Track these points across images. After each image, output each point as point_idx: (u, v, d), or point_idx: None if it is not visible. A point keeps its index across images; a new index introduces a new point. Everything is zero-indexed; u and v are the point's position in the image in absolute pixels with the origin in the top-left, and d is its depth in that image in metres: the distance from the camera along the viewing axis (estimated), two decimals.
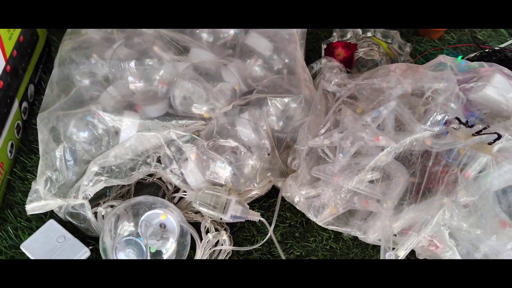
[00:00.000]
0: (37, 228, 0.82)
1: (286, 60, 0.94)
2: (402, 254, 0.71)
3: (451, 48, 1.08)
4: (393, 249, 0.71)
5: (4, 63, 0.89)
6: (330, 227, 0.79)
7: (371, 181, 0.76)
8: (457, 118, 0.74)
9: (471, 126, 0.73)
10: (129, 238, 0.76)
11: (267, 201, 0.87)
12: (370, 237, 0.75)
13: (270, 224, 0.82)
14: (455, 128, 0.74)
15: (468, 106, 0.80)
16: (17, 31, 0.94)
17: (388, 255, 0.70)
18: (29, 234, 0.82)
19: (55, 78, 0.90)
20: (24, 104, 0.98)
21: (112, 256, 0.76)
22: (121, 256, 0.75)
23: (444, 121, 0.75)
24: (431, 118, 0.74)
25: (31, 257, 0.79)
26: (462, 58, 0.86)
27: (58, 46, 0.95)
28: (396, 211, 0.74)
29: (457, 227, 0.72)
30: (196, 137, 0.84)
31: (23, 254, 0.80)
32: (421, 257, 0.79)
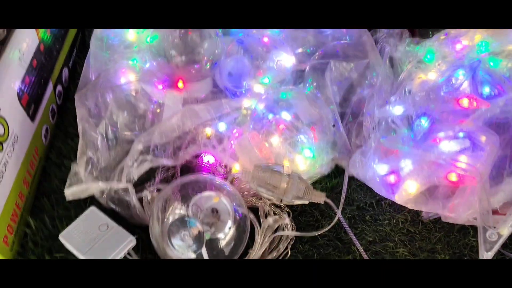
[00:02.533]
0: (76, 217, 0.73)
1: None
2: (505, 232, 0.59)
3: None
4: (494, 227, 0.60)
5: (37, 42, 0.82)
6: (409, 206, 0.68)
7: (458, 151, 0.66)
8: None
9: None
10: (182, 219, 0.66)
11: (330, 182, 0.77)
12: (462, 216, 0.64)
13: (336, 206, 0.72)
14: None
15: None
16: None
17: (490, 234, 0.59)
18: (67, 224, 0.73)
19: (92, 55, 0.84)
20: (59, 87, 0.91)
21: (165, 243, 0.67)
22: (176, 241, 0.66)
23: None
24: None
25: (70, 248, 0.70)
26: None
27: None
28: (493, 183, 0.63)
29: None
30: (249, 111, 0.75)
31: (62, 245, 0.72)
32: None
